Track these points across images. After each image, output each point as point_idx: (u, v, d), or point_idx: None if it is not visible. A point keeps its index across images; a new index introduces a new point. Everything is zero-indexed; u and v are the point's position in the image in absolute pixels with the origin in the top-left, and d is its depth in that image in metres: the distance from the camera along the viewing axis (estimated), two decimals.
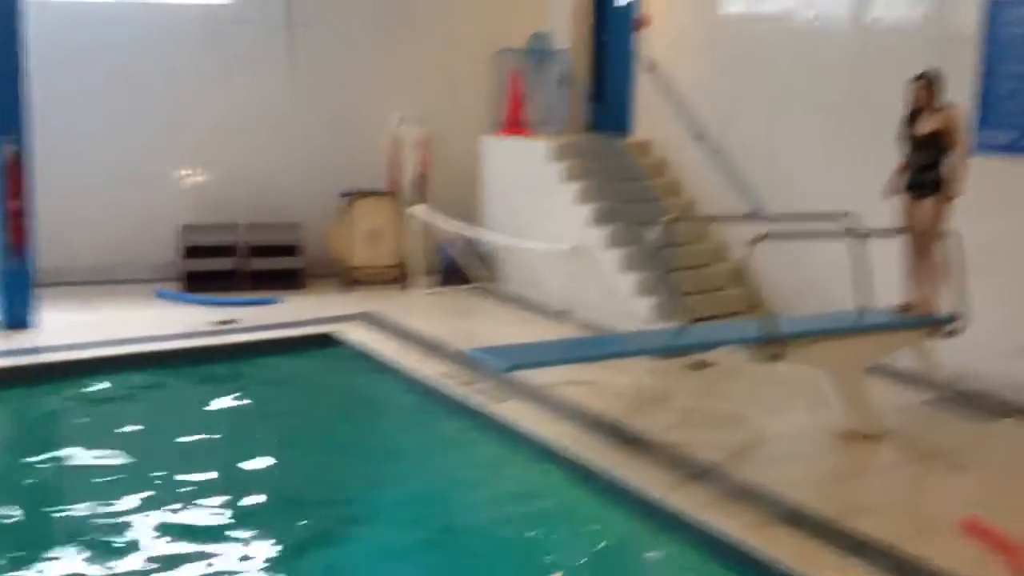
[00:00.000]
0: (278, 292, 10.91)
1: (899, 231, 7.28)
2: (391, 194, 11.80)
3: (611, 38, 12.07)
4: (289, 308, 10.42)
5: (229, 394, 8.22)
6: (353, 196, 11.48)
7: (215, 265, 11.06)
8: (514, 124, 11.55)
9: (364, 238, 11.49)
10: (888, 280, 7.40)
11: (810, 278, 8.97)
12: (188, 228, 11.19)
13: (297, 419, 7.91)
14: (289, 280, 11.20)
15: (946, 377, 7.88)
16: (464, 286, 11.44)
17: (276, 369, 8.92)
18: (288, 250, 11.30)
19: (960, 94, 7.75)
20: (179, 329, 9.38)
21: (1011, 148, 7.73)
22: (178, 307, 10.32)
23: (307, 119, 11.76)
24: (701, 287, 9.85)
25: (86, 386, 8.11)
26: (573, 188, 10.49)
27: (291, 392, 8.55)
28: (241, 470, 6.77)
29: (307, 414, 8.06)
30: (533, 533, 5.92)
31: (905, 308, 7.35)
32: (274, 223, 11.50)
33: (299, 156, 11.74)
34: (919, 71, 7.14)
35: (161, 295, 10.68)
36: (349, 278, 11.42)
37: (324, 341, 9.46)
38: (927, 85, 7.06)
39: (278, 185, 11.67)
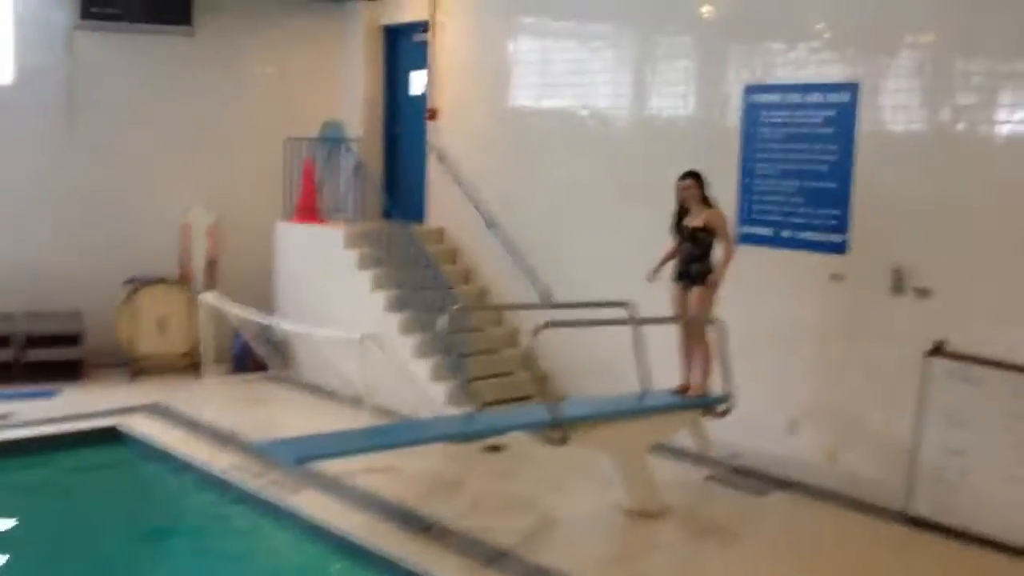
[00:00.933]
0: (57, 384, 10.45)
1: (673, 319, 7.75)
2: (181, 280, 11.57)
3: (404, 128, 12.38)
4: (69, 400, 10.00)
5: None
6: (138, 283, 11.18)
7: None
8: (307, 211, 11.59)
9: (151, 326, 11.19)
10: (669, 362, 7.86)
11: (600, 360, 9.37)
12: None
13: (72, 520, 7.57)
14: (70, 371, 10.74)
15: (720, 454, 8.37)
16: (257, 374, 11.29)
17: (53, 467, 8.52)
18: (68, 339, 10.84)
19: (728, 188, 8.46)
20: None
21: (770, 241, 8.39)
22: None
23: (90, 204, 11.43)
24: (494, 371, 10.10)
25: None
26: (367, 275, 10.61)
27: (68, 491, 8.17)
28: None
29: (84, 514, 7.72)
30: None
31: (682, 390, 7.81)
32: (53, 312, 11.04)
33: (81, 242, 11.36)
34: (685, 170, 7.70)
35: None
36: (136, 368, 11.06)
37: (107, 435, 9.14)
38: (694, 183, 7.63)
39: (58, 272, 11.23)
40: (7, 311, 10.89)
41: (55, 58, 11.24)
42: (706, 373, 7.73)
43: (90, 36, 11.34)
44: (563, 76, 10.22)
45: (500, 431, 7.28)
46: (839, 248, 7.95)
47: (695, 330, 7.69)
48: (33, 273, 11.13)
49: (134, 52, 11.58)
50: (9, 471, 8.32)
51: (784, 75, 8.33)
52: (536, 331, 6.56)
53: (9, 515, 7.58)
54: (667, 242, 7.87)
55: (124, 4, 11.29)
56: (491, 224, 10.80)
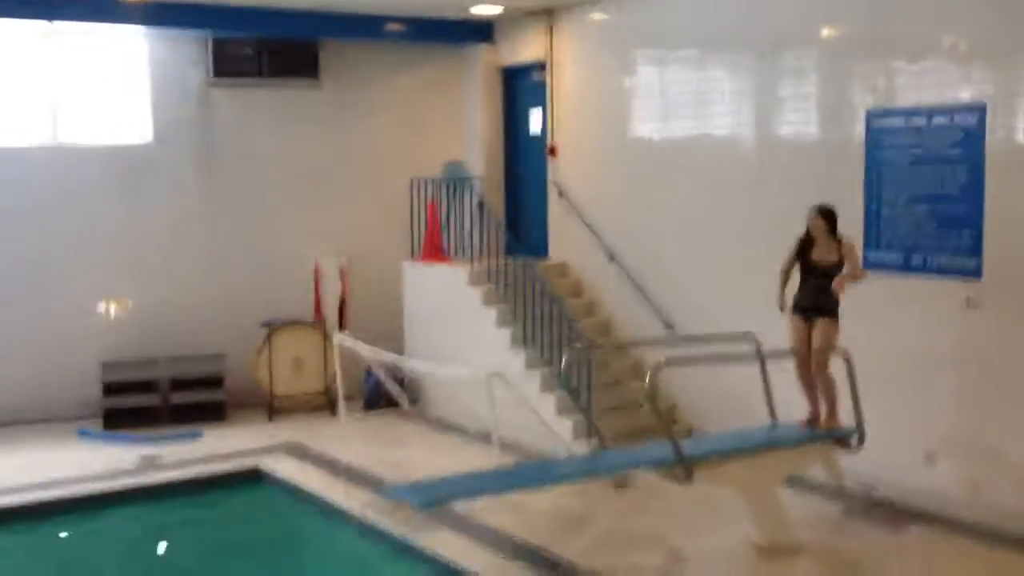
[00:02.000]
0: (201, 425, 10.91)
1: (795, 351, 7.62)
2: (314, 322, 11.96)
3: (524, 165, 12.55)
4: (212, 442, 10.41)
5: (153, 536, 8.18)
6: (274, 325, 11.61)
7: (136, 401, 11.04)
8: (433, 250, 11.85)
9: (287, 366, 11.59)
10: (798, 393, 7.74)
11: (727, 392, 9.28)
12: (108, 365, 11.18)
13: (224, 556, 7.88)
14: (212, 412, 11.20)
15: (856, 487, 8.17)
16: (389, 411, 11.55)
17: (200, 506, 8.89)
18: (210, 382, 11.32)
19: (854, 214, 8.32)
20: (101, 469, 9.33)
21: (900, 267, 8.19)
22: (100, 446, 10.26)
23: (226, 251, 11.95)
24: (620, 404, 10.12)
25: (5, 532, 8.01)
26: (492, 312, 10.77)
27: (215, 530, 8.52)
28: None
29: (233, 551, 8.04)
30: None
31: (810, 422, 7.67)
32: (196, 355, 11.54)
33: (220, 288, 11.87)
34: (819, 206, 7.57)
35: (82, 434, 10.60)
36: (274, 407, 11.47)
37: (248, 475, 9.47)
38: (825, 219, 7.51)
39: (199, 317, 11.75)
40: (152, 356, 11.44)
41: (191, 114, 11.82)
42: (834, 405, 7.57)
43: (223, 92, 11.89)
44: (682, 106, 10.22)
45: (624, 469, 7.27)
46: (974, 273, 7.71)
47: (820, 362, 7.55)
48: (175, 319, 11.68)
49: (264, 106, 12.10)
50: (161, 511, 8.71)
51: (908, 98, 8.15)
52: (655, 370, 6.55)
53: (162, 554, 7.94)
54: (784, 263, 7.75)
55: (254, 61, 11.82)
56: (613, 257, 10.83)
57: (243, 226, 12.04)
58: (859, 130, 8.48)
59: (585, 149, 11.42)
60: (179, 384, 11.25)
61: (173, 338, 11.61)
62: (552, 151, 11.74)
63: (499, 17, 12.06)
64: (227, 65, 11.77)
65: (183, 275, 11.78)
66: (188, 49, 11.73)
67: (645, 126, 10.70)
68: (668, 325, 10.17)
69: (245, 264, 12.03)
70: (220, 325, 11.78)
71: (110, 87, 11.54)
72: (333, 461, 9.67)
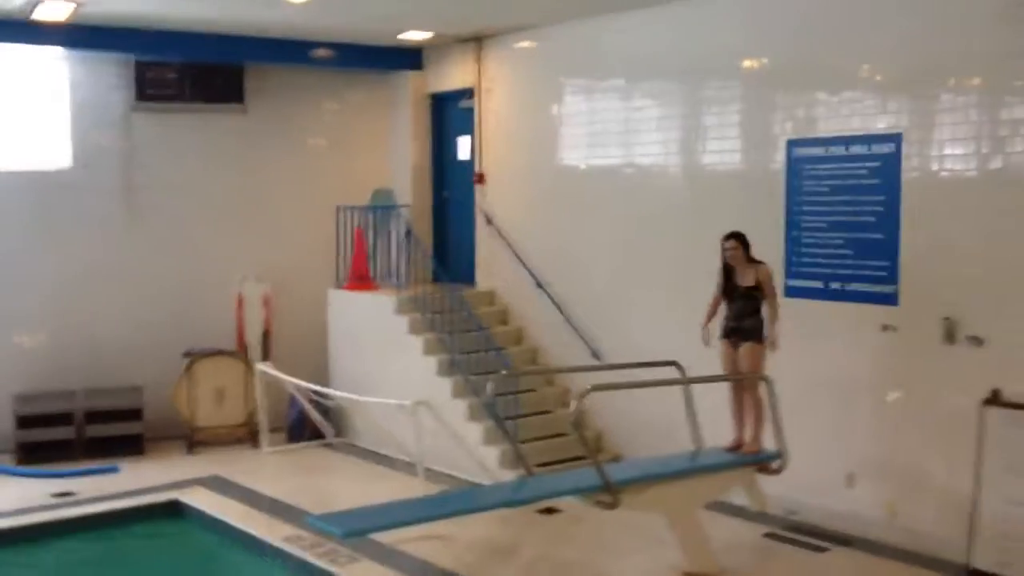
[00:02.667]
0: (118, 459, 10.60)
1: (721, 377, 7.69)
2: (236, 352, 11.76)
3: (452, 192, 12.53)
4: (130, 476, 10.14)
5: (68, 573, 7.92)
6: (195, 355, 11.38)
7: (51, 435, 10.68)
8: (359, 278, 11.75)
9: (209, 397, 11.36)
10: (722, 419, 7.79)
11: (653, 419, 9.32)
12: (21, 397, 10.85)
13: None
14: (130, 446, 10.90)
15: (777, 511, 8.24)
16: (314, 442, 11.38)
17: (116, 541, 8.63)
18: (128, 414, 11.03)
19: (775, 241, 8.46)
20: (14, 505, 9.02)
21: (819, 293, 8.32)
22: (13, 481, 9.93)
23: (147, 279, 11.69)
24: (547, 432, 10.09)
25: None
26: (419, 340, 10.70)
27: (130, 567, 8.28)
28: None
29: None
30: None
31: (736, 446, 7.71)
32: (113, 387, 11.26)
33: (139, 318, 11.60)
34: (729, 232, 7.69)
35: None
36: (195, 439, 11.22)
37: (168, 509, 9.23)
38: (737, 244, 7.61)
39: (118, 347, 11.47)
40: (68, 388, 11.13)
41: (112, 140, 11.59)
42: (759, 430, 7.64)
43: (146, 117, 11.69)
44: (610, 135, 10.29)
45: (550, 496, 7.24)
46: (890, 299, 7.85)
47: (748, 386, 7.62)
48: (93, 349, 11.38)
49: (188, 130, 11.91)
50: (76, 548, 8.44)
51: (827, 128, 8.31)
52: (581, 396, 6.55)
53: None
54: (712, 297, 7.84)
55: (178, 85, 11.65)
56: (540, 285, 10.85)
57: (164, 253, 11.81)
58: (780, 159, 8.62)
59: (513, 176, 11.45)
60: (96, 417, 10.92)
61: (90, 369, 11.31)
62: (480, 178, 11.75)
63: (427, 44, 12.07)
64: (150, 89, 11.58)
65: (101, 304, 11.49)
66: (110, 73, 11.52)
67: (573, 153, 10.76)
68: (595, 354, 10.19)
69: (166, 292, 11.78)
70: (139, 355, 11.51)
71: (29, 111, 11.26)
72: (255, 493, 9.48)
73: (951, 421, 7.46)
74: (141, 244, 11.71)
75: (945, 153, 7.56)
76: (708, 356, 7.84)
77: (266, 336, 12.17)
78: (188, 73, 11.68)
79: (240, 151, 12.19)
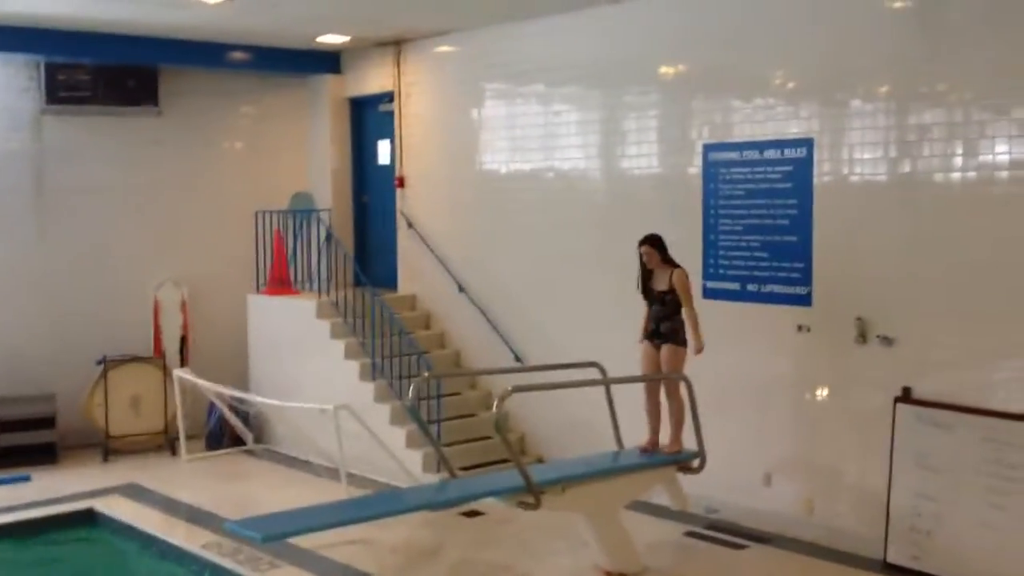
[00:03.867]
0: (30, 468, 10.34)
1: (642, 378, 7.78)
2: (153, 358, 11.54)
3: (373, 196, 12.48)
4: (43, 485, 9.90)
5: None
6: (110, 362, 11.14)
7: None
8: (279, 283, 11.63)
9: (124, 405, 11.13)
10: (644, 420, 7.87)
11: (576, 420, 9.41)
12: None
13: None
14: (43, 455, 10.62)
15: (698, 510, 8.37)
16: (234, 449, 11.23)
17: (29, 551, 8.42)
18: (41, 423, 10.74)
19: (694, 244, 8.60)
20: None
21: (736, 296, 8.48)
22: None
23: (59, 286, 11.39)
24: (471, 435, 10.11)
25: None
26: (340, 344, 10.63)
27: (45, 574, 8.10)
28: None
29: None
30: None
31: (648, 449, 7.79)
32: (25, 395, 10.95)
33: (52, 324, 11.32)
34: (644, 235, 7.79)
35: None
36: (110, 448, 10.98)
37: (83, 517, 9.03)
38: (651, 248, 7.71)
39: (29, 355, 11.16)
40: None
41: (21, 142, 11.30)
42: (679, 430, 7.75)
43: (57, 120, 11.41)
44: (530, 139, 10.35)
45: (472, 499, 7.26)
46: (804, 300, 8.03)
47: (668, 388, 7.72)
48: (4, 357, 11.05)
49: (102, 134, 11.65)
50: None
51: (742, 133, 8.48)
52: (502, 398, 6.58)
53: None
54: (643, 304, 7.92)
55: (91, 87, 11.39)
56: (462, 289, 10.86)
57: (78, 258, 11.53)
58: (697, 163, 8.77)
59: (434, 180, 11.44)
60: (6, 425, 10.60)
61: (1, 377, 10.98)
62: (400, 182, 11.72)
63: (346, 47, 12.01)
64: (61, 91, 11.28)
65: (12, 310, 11.17)
66: (19, 74, 11.22)
67: (493, 157, 10.80)
68: (518, 357, 10.24)
69: (79, 298, 11.50)
70: (53, 362, 11.22)
71: None
72: (173, 501, 9.34)
73: (865, 419, 7.66)
74: (53, 249, 11.42)
75: (855, 157, 7.77)
76: (629, 357, 7.94)
77: (184, 342, 11.97)
78: (101, 75, 11.39)
79: (156, 154, 11.96)
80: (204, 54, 11.51)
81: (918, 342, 7.39)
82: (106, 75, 11.42)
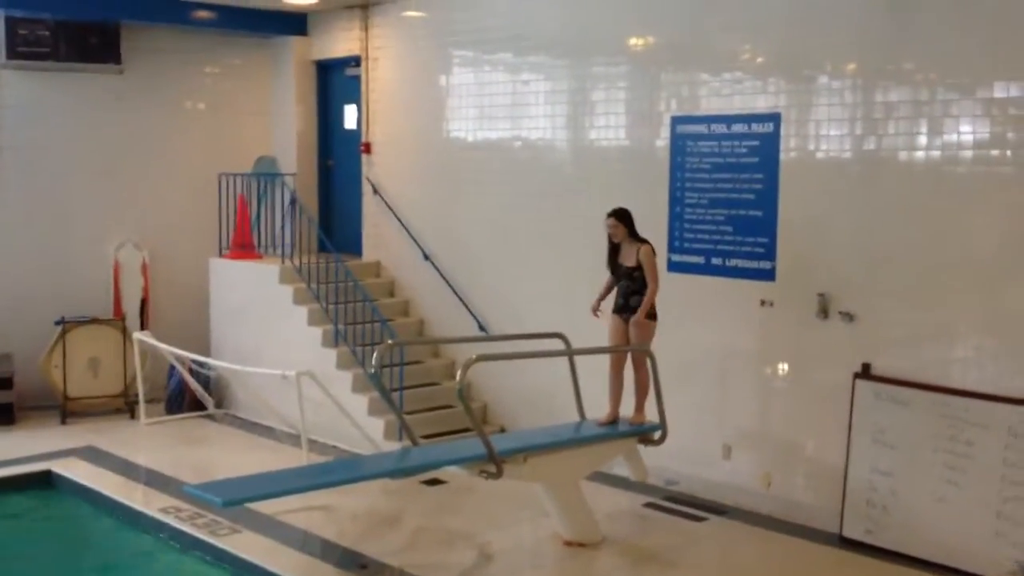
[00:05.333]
0: None
1: (604, 349, 7.79)
2: (113, 320, 11.41)
3: (338, 162, 12.38)
4: (1, 445, 9.77)
5: None
6: (69, 323, 11.01)
7: None
8: (242, 247, 11.53)
9: (83, 367, 11.01)
10: (607, 392, 7.89)
11: (538, 391, 9.43)
12: None
13: (8, 565, 7.42)
14: (0, 415, 10.51)
15: (657, 482, 8.44)
16: (194, 413, 11.15)
17: None
18: None
19: (659, 218, 8.60)
20: None
21: (701, 269, 8.51)
22: None
23: (16, 245, 11.24)
24: (433, 404, 10.11)
25: None
26: (303, 310, 10.57)
27: (1, 537, 8.01)
28: None
29: (20, 559, 7.57)
30: None
31: (609, 422, 7.79)
32: None
33: (9, 284, 11.16)
34: (611, 209, 7.75)
35: None
36: (68, 410, 10.87)
37: (39, 479, 8.96)
38: (618, 222, 7.69)
39: None
40: None
41: None
42: (643, 401, 7.78)
43: (15, 75, 11.19)
44: (498, 108, 10.29)
45: (434, 467, 7.26)
46: (768, 275, 8.08)
47: (635, 360, 7.74)
48: None
49: (62, 90, 11.45)
50: None
51: (709, 107, 8.48)
52: (466, 366, 6.56)
53: None
54: (606, 276, 7.92)
55: (52, 42, 11.16)
56: (427, 257, 10.82)
57: (35, 218, 11.36)
58: (665, 135, 8.76)
59: (400, 146, 11.36)
60: None
61: None
62: (367, 148, 11.62)
63: (313, 9, 11.86)
64: (21, 47, 11.03)
65: None
66: None
67: (461, 125, 10.73)
68: (482, 326, 10.23)
69: (37, 259, 11.34)
70: (10, 323, 11.06)
71: None
72: (131, 464, 9.29)
73: (824, 394, 7.74)
74: (11, 208, 11.24)
75: (821, 133, 7.79)
76: (593, 328, 7.95)
77: (144, 304, 11.84)
78: (62, 31, 11.16)
79: (116, 113, 11.77)
80: (168, 11, 11.35)
81: (878, 319, 7.46)
82: (67, 30, 11.20)
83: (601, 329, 7.89)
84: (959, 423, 6.98)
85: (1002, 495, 6.75)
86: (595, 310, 7.87)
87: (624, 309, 7.73)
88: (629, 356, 7.78)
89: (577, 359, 7.89)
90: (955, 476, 6.98)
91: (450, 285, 10.59)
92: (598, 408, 7.92)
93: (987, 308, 6.96)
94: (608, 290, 7.90)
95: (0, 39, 10.99)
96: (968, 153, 7.03)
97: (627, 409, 7.83)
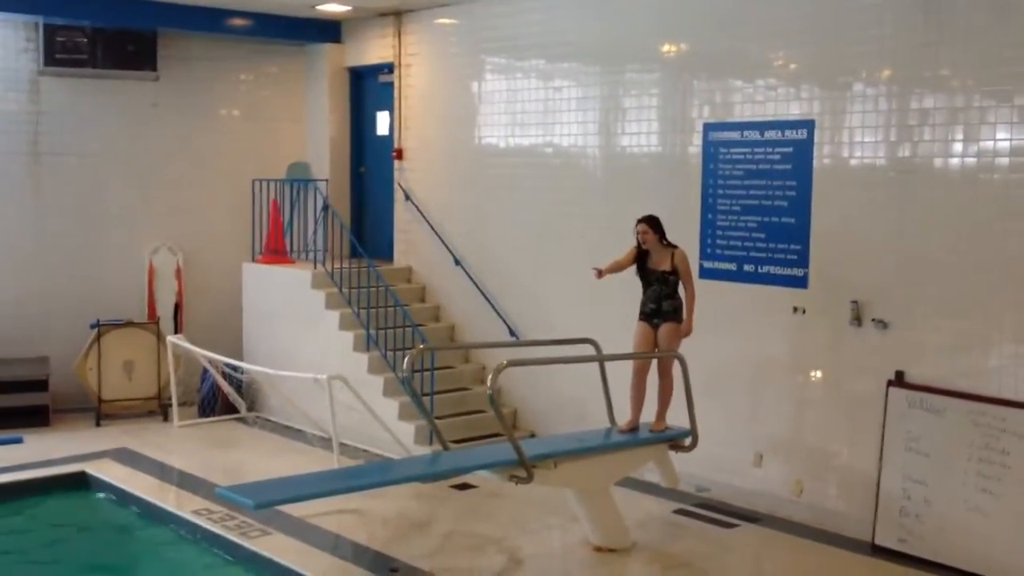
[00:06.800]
0: (23, 431, 10.35)
1: (636, 355, 7.78)
2: (147, 324, 11.52)
3: (371, 168, 12.45)
4: (35, 447, 9.91)
5: None
6: (104, 326, 11.13)
7: None
8: (275, 252, 11.62)
9: (118, 370, 11.13)
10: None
11: (569, 397, 9.44)
12: None
13: (44, 568, 7.50)
14: (35, 417, 10.63)
15: (688, 488, 8.41)
16: (226, 416, 11.24)
17: (20, 513, 8.44)
18: (34, 385, 10.74)
19: (691, 224, 8.60)
20: None
21: (732, 276, 8.48)
22: None
23: (56, 248, 11.39)
24: (463, 408, 10.14)
25: None
26: (335, 315, 10.63)
27: (36, 538, 8.10)
28: None
29: (55, 562, 7.65)
30: None
31: (630, 429, 7.75)
32: (18, 357, 10.95)
33: (46, 287, 11.30)
34: (642, 215, 7.76)
35: None
36: (103, 412, 10.98)
37: (75, 480, 9.06)
38: (649, 228, 7.68)
39: (23, 317, 11.15)
40: None
41: (18, 104, 11.24)
42: (665, 408, 7.75)
43: (55, 82, 11.35)
44: (529, 115, 10.31)
45: (465, 471, 7.27)
46: (801, 282, 8.04)
47: (662, 366, 7.73)
48: None
49: (99, 97, 11.60)
50: None
51: (742, 113, 8.46)
52: (497, 371, 6.58)
53: None
54: (636, 283, 7.89)
55: (89, 50, 11.31)
56: (459, 262, 10.85)
57: (73, 222, 11.50)
58: (697, 142, 8.75)
59: (432, 153, 11.41)
60: (0, 387, 10.64)
61: None
62: (399, 154, 11.68)
63: (346, 16, 11.94)
64: (60, 53, 11.21)
65: (7, 272, 11.15)
66: (17, 35, 11.16)
67: (492, 132, 10.76)
68: (513, 331, 10.25)
69: (74, 262, 11.49)
70: (47, 326, 11.23)
71: None
72: (165, 467, 9.36)
73: (857, 402, 7.69)
74: (49, 212, 11.39)
75: (855, 141, 7.76)
76: (624, 335, 7.94)
77: (178, 308, 11.96)
78: (100, 38, 11.32)
79: (153, 119, 11.91)
80: (204, 19, 11.45)
81: (913, 326, 7.41)
82: (105, 38, 11.35)
83: (632, 334, 7.86)
84: (994, 432, 6.91)
85: None
86: (599, 273, 7.79)
87: (655, 314, 7.71)
88: (654, 363, 7.76)
89: (607, 365, 7.89)
90: (989, 485, 6.91)
91: (481, 290, 10.62)
92: (628, 414, 7.89)
93: (1023, 316, 6.89)
94: (620, 268, 7.83)
95: (39, 46, 11.16)
96: (1004, 160, 6.98)
97: (648, 416, 7.81)
